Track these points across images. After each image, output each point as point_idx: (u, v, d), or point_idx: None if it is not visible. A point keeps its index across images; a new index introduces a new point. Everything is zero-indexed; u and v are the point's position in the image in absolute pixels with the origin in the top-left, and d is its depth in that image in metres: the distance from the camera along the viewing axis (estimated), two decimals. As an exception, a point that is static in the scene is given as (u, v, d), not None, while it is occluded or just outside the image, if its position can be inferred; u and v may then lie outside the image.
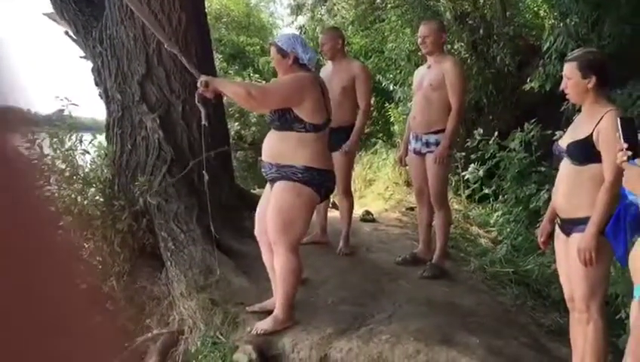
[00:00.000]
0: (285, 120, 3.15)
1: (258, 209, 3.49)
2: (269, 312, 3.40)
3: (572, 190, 2.75)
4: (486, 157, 6.36)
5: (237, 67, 13.63)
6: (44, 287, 0.41)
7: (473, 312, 3.62)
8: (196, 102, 3.46)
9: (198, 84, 3.25)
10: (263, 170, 3.38)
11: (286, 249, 3.20)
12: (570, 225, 2.78)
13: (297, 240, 3.29)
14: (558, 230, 2.93)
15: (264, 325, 3.31)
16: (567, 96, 2.85)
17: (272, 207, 3.22)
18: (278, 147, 3.23)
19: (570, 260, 2.75)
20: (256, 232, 3.48)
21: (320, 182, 3.23)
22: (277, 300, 3.34)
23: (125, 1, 4.04)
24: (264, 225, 3.31)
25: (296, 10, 13.81)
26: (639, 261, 2.30)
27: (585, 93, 2.73)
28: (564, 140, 2.84)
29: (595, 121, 2.64)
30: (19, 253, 0.39)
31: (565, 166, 2.80)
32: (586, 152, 2.67)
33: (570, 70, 2.77)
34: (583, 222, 2.68)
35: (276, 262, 3.25)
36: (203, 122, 3.55)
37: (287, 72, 3.28)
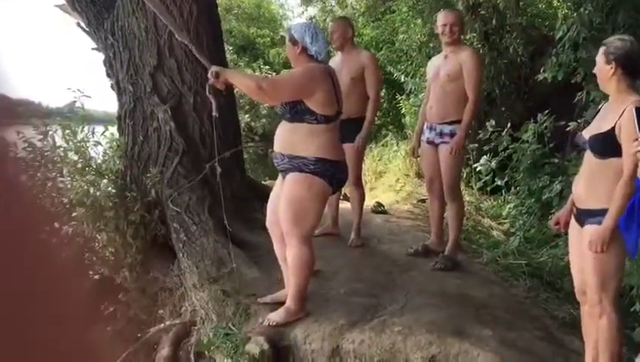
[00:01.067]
0: (296, 111, 3.13)
1: (270, 200, 3.49)
2: (282, 303, 3.40)
3: (592, 182, 2.71)
4: (498, 148, 6.33)
5: (247, 59, 13.62)
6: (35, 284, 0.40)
7: (486, 304, 3.60)
8: (207, 92, 3.45)
9: (209, 75, 3.23)
10: (275, 160, 3.37)
11: (298, 240, 3.19)
12: (585, 216, 2.75)
13: (310, 231, 3.28)
14: (573, 220, 2.89)
15: (276, 316, 3.32)
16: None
17: (284, 199, 3.21)
18: (289, 138, 3.22)
19: (584, 250, 2.72)
20: (267, 224, 3.48)
21: (332, 173, 3.21)
22: (289, 291, 3.34)
23: None
24: (276, 216, 3.31)
25: (307, 1, 13.76)
26: None
27: (607, 80, 2.69)
28: (588, 131, 2.79)
29: (619, 114, 2.58)
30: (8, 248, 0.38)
31: (588, 157, 2.75)
32: (607, 146, 2.62)
33: (598, 55, 2.74)
34: (598, 213, 2.65)
35: (288, 253, 3.25)
36: (214, 113, 3.54)
37: (296, 61, 3.27)
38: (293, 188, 3.19)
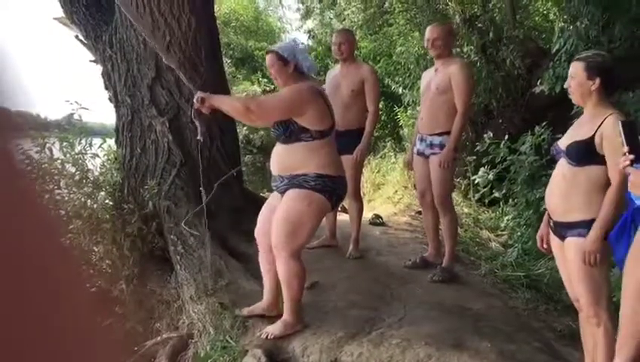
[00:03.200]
0: (291, 132, 3.11)
1: (263, 209, 3.47)
2: (278, 316, 3.38)
3: (567, 191, 2.73)
4: (496, 160, 6.33)
5: (245, 71, 13.66)
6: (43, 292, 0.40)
7: (484, 316, 3.58)
8: (192, 117, 3.46)
9: (194, 100, 3.23)
10: (273, 183, 3.33)
11: (288, 254, 3.16)
12: (564, 229, 2.77)
13: (301, 247, 3.25)
14: (551, 233, 2.93)
15: (274, 329, 3.29)
16: (570, 96, 2.84)
17: (282, 213, 3.18)
18: (287, 159, 3.19)
19: (569, 264, 2.75)
20: (257, 232, 3.44)
21: (332, 189, 3.18)
22: (285, 305, 3.32)
23: (125, 13, 4.04)
24: (266, 227, 3.28)
25: (305, 14, 13.85)
26: None
27: (588, 94, 2.73)
28: (564, 141, 2.83)
29: (597, 124, 2.64)
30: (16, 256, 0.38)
31: (562, 167, 2.78)
32: (585, 154, 2.66)
33: (575, 70, 2.77)
34: (577, 226, 2.69)
35: (278, 267, 3.22)
36: (198, 137, 3.54)
37: (287, 80, 3.21)
38: (293, 203, 3.16)
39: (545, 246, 3.05)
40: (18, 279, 0.37)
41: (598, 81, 2.68)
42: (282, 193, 3.24)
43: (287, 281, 3.20)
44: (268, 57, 3.28)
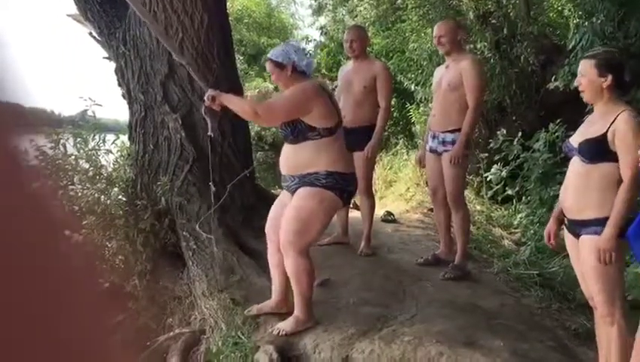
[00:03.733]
0: (299, 131, 3.12)
1: (274, 206, 3.48)
2: (288, 313, 3.38)
3: (581, 189, 2.72)
4: (509, 158, 6.29)
5: (258, 68, 13.68)
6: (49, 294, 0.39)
7: (497, 314, 3.56)
8: (203, 113, 3.49)
9: (205, 98, 3.27)
10: (284, 183, 3.34)
11: (296, 252, 3.16)
12: (579, 227, 2.76)
13: (309, 244, 3.25)
14: (566, 231, 2.91)
15: (285, 326, 3.30)
16: (580, 94, 2.82)
17: (293, 210, 3.18)
18: (297, 159, 3.20)
19: (583, 262, 2.74)
20: (267, 228, 3.45)
21: (343, 186, 3.18)
22: (295, 301, 3.33)
23: (136, 11, 4.06)
24: (277, 224, 3.28)
25: (317, 10, 13.83)
26: None
27: (599, 92, 2.71)
28: (575, 139, 2.82)
29: (609, 120, 2.63)
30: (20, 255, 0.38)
31: (575, 164, 2.77)
32: (598, 151, 2.65)
33: (586, 67, 2.76)
34: (592, 223, 2.68)
35: (286, 264, 3.22)
36: (209, 133, 3.59)
37: (287, 83, 3.22)
38: (305, 201, 3.16)
39: (552, 242, 3.04)
40: (17, 279, 0.37)
41: (610, 78, 2.66)
42: (293, 192, 3.24)
43: (296, 278, 3.21)
44: (267, 65, 3.31)
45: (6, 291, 0.36)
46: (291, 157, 3.23)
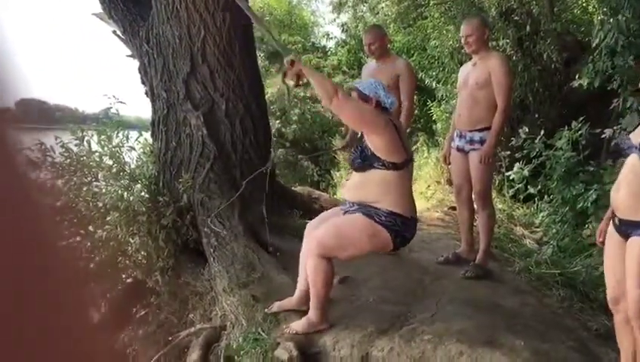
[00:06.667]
0: (365, 156, 3.09)
1: (326, 211, 3.49)
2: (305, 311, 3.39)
3: (636, 190, 2.59)
4: (531, 156, 6.23)
5: (279, 65, 13.70)
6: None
7: (518, 314, 3.54)
8: (282, 80, 3.49)
9: (285, 62, 3.26)
10: (342, 207, 3.33)
11: (320, 254, 3.14)
12: (631, 227, 2.63)
13: (335, 257, 3.20)
14: (612, 229, 2.79)
15: (297, 326, 3.31)
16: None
17: (341, 223, 3.16)
18: (363, 190, 3.15)
19: (628, 263, 2.60)
20: (308, 225, 3.46)
21: (400, 230, 3.12)
22: (310, 303, 3.33)
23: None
24: (319, 225, 3.30)
25: (338, 7, 13.80)
26: None
27: None
28: (636, 136, 2.67)
29: None
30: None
31: (633, 163, 2.62)
32: None
33: None
34: None
35: (308, 263, 3.21)
36: (286, 101, 3.60)
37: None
38: (356, 227, 3.12)
39: (601, 240, 2.93)
40: (14, 279, 0.37)
41: None
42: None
43: (312, 279, 3.20)
44: (352, 94, 3.26)
45: None
46: (358, 187, 3.19)
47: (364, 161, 3.11)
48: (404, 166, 3.13)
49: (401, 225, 3.11)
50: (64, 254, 0.45)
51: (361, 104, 3.17)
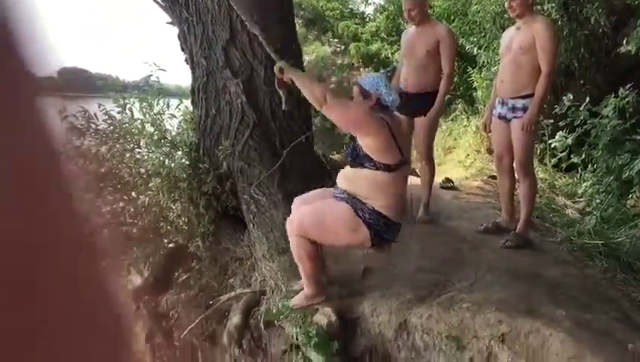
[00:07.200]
0: (357, 155, 3.07)
1: (318, 191, 3.46)
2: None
3: None
4: (575, 124, 6.07)
5: (316, 32, 13.60)
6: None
7: (559, 284, 3.50)
8: (277, 87, 3.50)
9: (275, 70, 3.30)
10: (334, 191, 3.30)
11: (298, 235, 3.18)
12: None
13: (311, 239, 3.19)
14: None
15: (296, 300, 3.39)
16: None
17: (321, 214, 3.15)
18: (353, 184, 3.14)
19: None
20: (297, 199, 3.50)
21: (381, 232, 3.12)
22: (302, 278, 3.39)
23: None
24: (308, 199, 3.34)
25: (377, -27, 13.54)
26: None
27: None
28: None
29: None
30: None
31: None
32: None
33: None
34: None
35: (290, 241, 3.25)
36: (283, 108, 3.62)
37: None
38: (338, 219, 3.12)
39: None
40: (27, 272, 0.35)
41: None
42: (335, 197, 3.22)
43: (297, 254, 3.25)
44: (353, 89, 3.23)
45: None
46: (350, 180, 3.17)
47: (355, 160, 3.09)
48: (397, 168, 3.07)
49: (383, 226, 3.11)
50: (98, 223, 0.43)
51: (352, 105, 3.14)
